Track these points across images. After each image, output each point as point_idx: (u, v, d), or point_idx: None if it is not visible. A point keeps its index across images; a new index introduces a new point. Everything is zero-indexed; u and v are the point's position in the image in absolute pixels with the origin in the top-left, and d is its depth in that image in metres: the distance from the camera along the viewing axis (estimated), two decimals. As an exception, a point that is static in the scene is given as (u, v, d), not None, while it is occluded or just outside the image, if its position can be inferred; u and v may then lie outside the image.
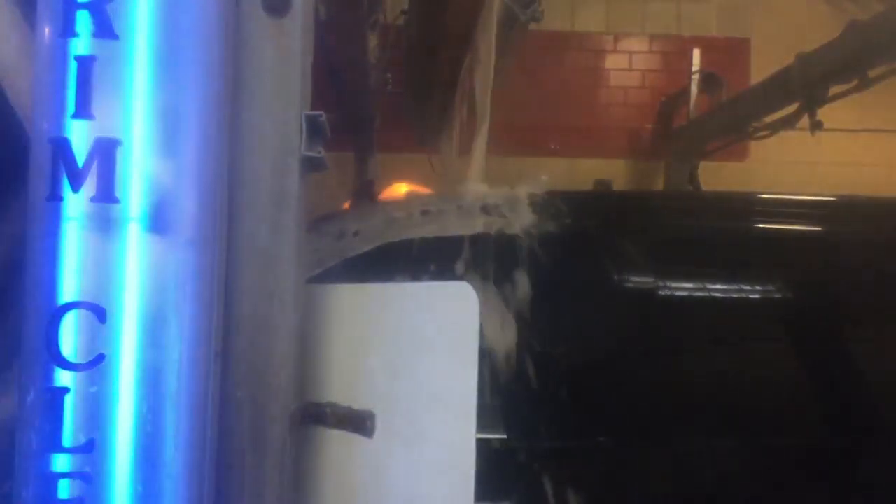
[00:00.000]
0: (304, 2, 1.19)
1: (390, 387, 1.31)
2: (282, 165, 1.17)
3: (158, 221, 1.00)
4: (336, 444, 1.30)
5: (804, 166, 5.70)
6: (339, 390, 1.31)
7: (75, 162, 0.97)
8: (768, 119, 4.47)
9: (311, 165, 1.23)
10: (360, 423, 1.28)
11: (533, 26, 3.62)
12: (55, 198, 0.97)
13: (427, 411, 1.32)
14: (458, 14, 2.92)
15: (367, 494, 1.31)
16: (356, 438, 1.27)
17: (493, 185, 2.32)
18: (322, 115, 1.20)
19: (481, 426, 1.35)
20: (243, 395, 1.14)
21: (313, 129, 1.21)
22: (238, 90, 1.14)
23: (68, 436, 0.96)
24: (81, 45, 0.98)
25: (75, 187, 0.97)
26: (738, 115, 4.79)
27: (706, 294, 2.31)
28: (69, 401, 0.96)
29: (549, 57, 5.80)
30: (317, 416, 1.29)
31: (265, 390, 1.15)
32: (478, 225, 2.12)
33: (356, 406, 1.28)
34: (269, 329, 1.16)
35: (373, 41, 4.17)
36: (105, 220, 0.98)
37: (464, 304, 1.33)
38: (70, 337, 0.97)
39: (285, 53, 1.17)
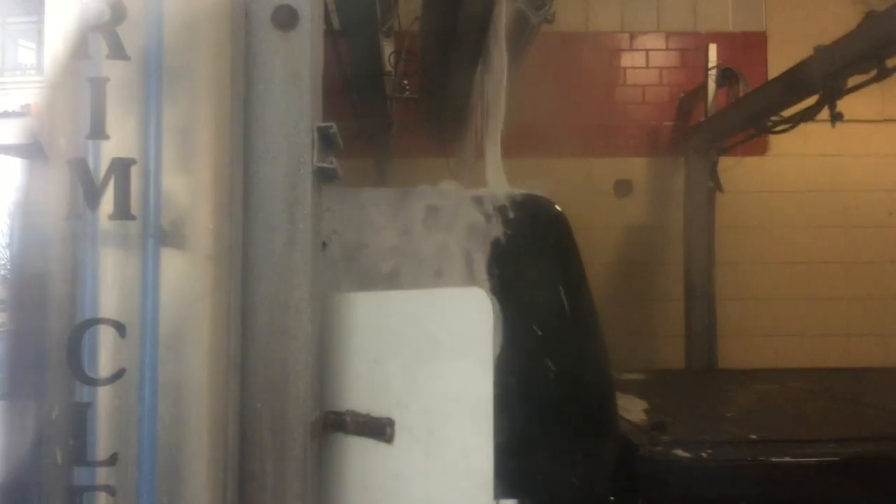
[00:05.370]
0: (313, 14, 1.20)
1: (408, 393, 1.32)
2: (294, 177, 1.18)
3: (175, 237, 1.02)
4: (356, 450, 1.31)
5: (825, 159, 5.65)
6: (357, 397, 1.32)
7: (92, 181, 0.99)
8: (787, 112, 4.43)
9: (323, 176, 1.24)
10: (379, 429, 1.29)
11: (548, 27, 3.61)
12: (74, 217, 1.00)
13: (444, 416, 1.32)
14: (469, 18, 2.93)
15: (387, 499, 1.32)
16: (376, 444, 1.28)
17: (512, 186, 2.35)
18: (333, 127, 1.21)
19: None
20: (263, 406, 1.15)
21: (325, 140, 1.22)
22: (249, 104, 1.15)
23: (92, 449, 0.98)
24: (94, 66, 1.00)
25: (93, 206, 0.99)
26: (757, 109, 4.75)
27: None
28: (92, 415, 0.98)
29: (566, 57, 5.77)
30: (337, 423, 1.30)
31: (285, 400, 1.16)
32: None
33: (375, 413, 1.29)
34: (287, 339, 1.17)
35: (388, 48, 4.19)
36: (123, 237, 1.00)
37: (478, 310, 1.33)
38: (92, 352, 0.99)
39: (295, 66, 1.18)
